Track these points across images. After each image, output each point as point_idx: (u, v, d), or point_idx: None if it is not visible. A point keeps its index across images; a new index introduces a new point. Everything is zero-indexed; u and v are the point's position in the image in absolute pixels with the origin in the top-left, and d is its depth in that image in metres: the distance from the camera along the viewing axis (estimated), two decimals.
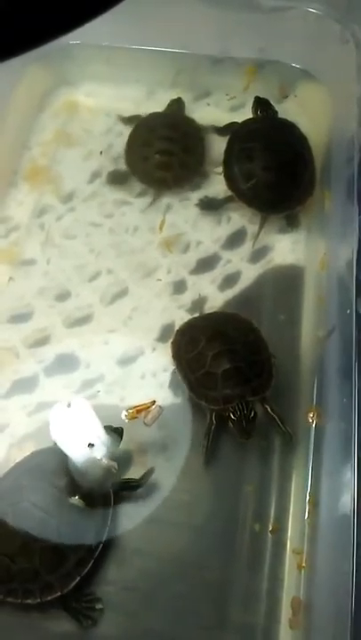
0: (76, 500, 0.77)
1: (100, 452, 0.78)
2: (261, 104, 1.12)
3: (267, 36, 1.15)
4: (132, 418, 0.81)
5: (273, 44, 1.16)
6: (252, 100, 1.13)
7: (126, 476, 0.83)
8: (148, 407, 0.81)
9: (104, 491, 0.80)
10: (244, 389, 0.83)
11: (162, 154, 1.09)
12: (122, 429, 0.83)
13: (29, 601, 0.74)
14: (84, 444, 0.78)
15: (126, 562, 0.79)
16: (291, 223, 1.05)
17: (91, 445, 0.77)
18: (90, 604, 0.76)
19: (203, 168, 1.12)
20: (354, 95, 1.02)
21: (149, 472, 0.82)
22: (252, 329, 0.91)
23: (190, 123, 1.15)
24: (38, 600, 0.74)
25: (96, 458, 0.78)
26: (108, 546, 0.78)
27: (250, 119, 1.12)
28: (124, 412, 0.81)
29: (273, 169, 1.03)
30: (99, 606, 0.76)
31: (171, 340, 0.93)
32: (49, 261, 1.04)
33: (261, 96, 1.13)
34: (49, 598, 0.74)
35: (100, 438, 0.79)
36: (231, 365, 0.84)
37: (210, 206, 1.08)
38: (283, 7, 1.12)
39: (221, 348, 0.86)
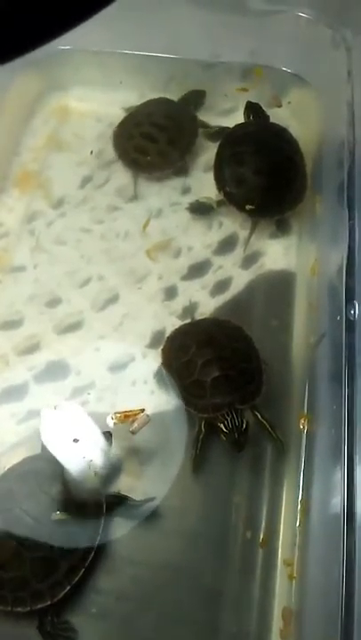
0: (58, 514, 0.77)
1: (91, 452, 0.77)
2: (253, 109, 1.12)
3: (257, 40, 1.15)
4: (119, 422, 0.81)
5: (264, 48, 1.16)
6: (243, 105, 1.13)
7: (117, 483, 0.83)
8: (136, 414, 0.81)
9: (95, 497, 0.79)
10: (233, 397, 0.83)
11: (144, 137, 1.10)
12: (110, 433, 0.83)
13: (19, 609, 0.73)
14: (73, 447, 0.78)
15: (118, 570, 0.79)
16: (281, 228, 1.04)
17: (76, 441, 0.77)
18: (65, 633, 0.75)
19: (182, 164, 1.12)
20: (344, 99, 1.02)
21: (148, 499, 0.81)
22: (242, 336, 0.91)
23: (191, 119, 1.15)
24: (28, 608, 0.73)
25: (85, 459, 0.77)
26: (100, 554, 0.78)
27: (241, 124, 1.12)
28: (112, 416, 0.81)
29: (264, 173, 1.03)
30: (74, 635, 0.75)
31: (161, 347, 0.92)
32: (39, 267, 1.03)
33: (253, 101, 1.13)
34: (39, 606, 0.73)
35: (92, 439, 0.79)
36: (221, 373, 0.84)
37: (200, 210, 1.07)
38: (273, 11, 1.12)
39: (211, 355, 0.86)
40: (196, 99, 1.18)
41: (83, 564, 0.76)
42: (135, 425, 0.81)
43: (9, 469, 0.82)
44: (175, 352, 0.90)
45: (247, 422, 0.81)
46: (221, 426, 0.82)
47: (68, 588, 0.74)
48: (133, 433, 0.82)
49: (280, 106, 1.17)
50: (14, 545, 0.75)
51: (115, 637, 0.76)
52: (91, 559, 0.76)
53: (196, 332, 0.92)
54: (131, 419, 0.81)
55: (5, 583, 0.74)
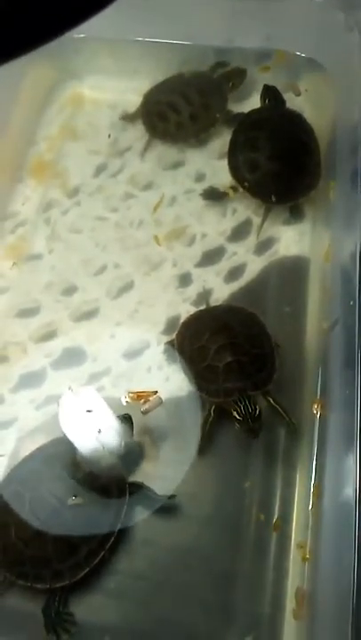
0: (74, 499, 0.78)
1: (111, 439, 0.79)
2: (271, 92, 1.11)
3: (272, 25, 1.14)
4: (131, 401, 0.83)
5: (278, 33, 1.15)
6: (259, 90, 1.12)
7: (135, 468, 0.85)
8: (149, 395, 0.83)
9: (119, 482, 0.81)
10: (245, 383, 0.83)
11: (169, 105, 1.12)
12: (130, 416, 0.84)
13: (39, 586, 0.76)
14: (93, 432, 0.79)
15: (135, 552, 0.81)
16: (294, 215, 1.04)
17: (100, 432, 0.79)
18: (65, 623, 0.76)
19: (195, 139, 1.13)
20: (358, 83, 1.01)
21: (170, 496, 0.83)
22: (256, 322, 0.91)
23: (221, 100, 1.15)
24: (48, 586, 0.76)
25: (105, 446, 0.79)
26: (118, 536, 0.79)
27: (256, 109, 1.12)
28: (125, 395, 0.83)
29: (278, 159, 1.02)
30: (73, 629, 0.76)
31: (175, 332, 0.93)
32: (55, 256, 1.04)
33: (270, 84, 1.12)
34: (58, 585, 0.76)
35: (112, 426, 0.80)
36: (233, 359, 0.84)
37: (214, 197, 1.08)
38: None
39: (225, 341, 0.86)
40: (236, 77, 1.17)
41: (103, 547, 0.78)
42: (147, 406, 0.82)
43: (38, 449, 0.84)
44: (189, 338, 0.90)
45: (260, 409, 0.82)
46: (235, 413, 0.82)
47: (87, 570, 0.76)
48: (144, 413, 0.84)
49: (299, 94, 1.16)
50: (38, 524, 0.77)
51: (131, 616, 0.78)
52: (110, 543, 0.78)
53: (210, 318, 0.92)
54: (143, 399, 0.83)
55: (27, 560, 0.76)
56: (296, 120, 1.08)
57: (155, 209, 1.08)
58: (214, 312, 0.95)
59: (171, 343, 0.94)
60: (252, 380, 0.84)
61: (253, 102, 1.14)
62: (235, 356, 0.85)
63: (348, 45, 1.06)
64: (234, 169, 1.06)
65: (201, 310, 0.96)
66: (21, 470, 0.83)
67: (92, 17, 0.42)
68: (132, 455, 0.84)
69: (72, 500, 0.78)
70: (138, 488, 0.82)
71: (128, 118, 1.18)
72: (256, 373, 0.85)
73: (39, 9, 0.40)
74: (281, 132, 1.06)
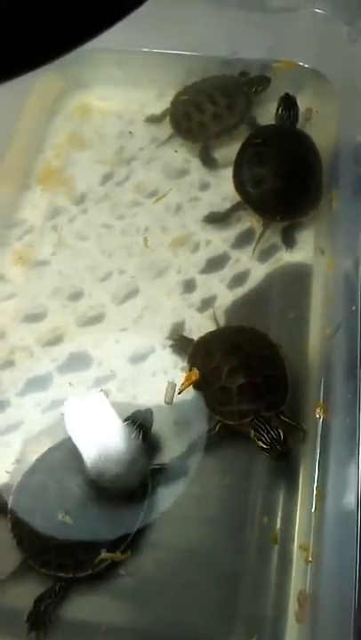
0: (63, 517, 0.80)
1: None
2: (288, 101, 1.12)
3: (275, 36, 1.16)
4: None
5: (282, 44, 1.17)
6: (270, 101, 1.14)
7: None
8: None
9: (142, 477, 0.83)
10: (259, 404, 0.83)
11: (194, 105, 1.14)
12: (151, 411, 0.87)
13: (62, 574, 0.78)
14: (100, 439, 0.82)
15: (140, 553, 0.81)
16: (286, 238, 1.05)
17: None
18: (46, 622, 0.78)
19: (216, 140, 1.16)
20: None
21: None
22: (267, 342, 0.91)
23: (246, 105, 1.17)
24: (71, 575, 0.78)
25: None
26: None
27: (266, 126, 1.13)
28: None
29: (283, 177, 1.03)
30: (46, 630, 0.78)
31: (187, 354, 0.93)
32: (62, 262, 1.06)
33: (291, 94, 1.12)
34: (80, 575, 0.78)
35: (119, 433, 0.83)
36: (246, 380, 0.84)
37: (215, 219, 1.09)
38: (290, 8, 1.13)
39: (237, 362, 0.86)
40: (260, 83, 1.19)
41: (124, 541, 0.80)
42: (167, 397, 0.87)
43: (61, 442, 0.86)
44: (201, 359, 0.90)
45: (283, 432, 0.81)
46: (260, 443, 0.81)
47: (109, 562, 0.79)
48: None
49: (309, 119, 1.16)
50: (62, 514, 0.79)
51: (134, 617, 0.79)
52: (131, 538, 0.80)
53: (222, 339, 0.92)
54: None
55: (51, 549, 0.78)
56: (305, 141, 1.09)
57: (157, 200, 1.10)
58: (225, 333, 0.95)
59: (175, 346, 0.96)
60: (266, 402, 0.83)
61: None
62: (248, 377, 0.85)
63: (352, 56, 1.08)
64: (238, 182, 1.07)
65: (212, 331, 0.96)
66: (48, 459, 0.85)
67: (104, 32, 0.43)
68: (153, 447, 0.87)
69: (62, 518, 0.79)
70: (159, 471, 0.85)
71: (154, 119, 1.20)
72: (269, 394, 0.84)
73: (51, 26, 0.40)
74: (289, 151, 1.07)
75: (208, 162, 1.15)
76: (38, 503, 0.81)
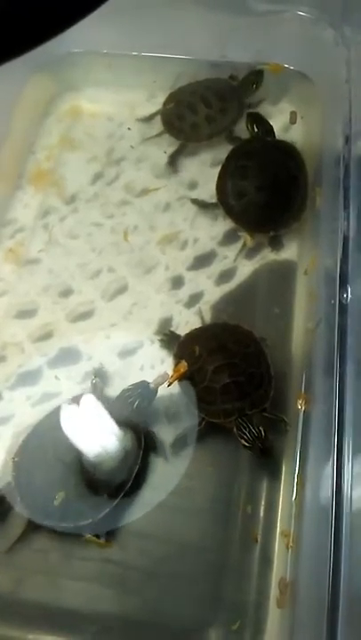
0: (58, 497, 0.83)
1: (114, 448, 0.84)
2: (254, 118, 1.13)
3: (263, 40, 1.18)
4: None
5: (269, 47, 1.19)
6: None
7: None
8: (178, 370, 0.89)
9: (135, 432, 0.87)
10: (243, 403, 0.85)
11: (187, 106, 1.16)
12: (156, 389, 0.90)
13: (64, 525, 0.81)
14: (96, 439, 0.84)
15: (127, 542, 0.84)
16: (274, 244, 1.06)
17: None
18: None
19: (207, 141, 1.17)
20: (345, 95, 1.05)
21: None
22: (252, 340, 0.93)
23: (238, 108, 1.18)
24: (72, 525, 0.82)
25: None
26: (113, 529, 0.84)
27: (250, 138, 1.14)
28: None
29: (266, 189, 1.04)
30: None
31: (173, 353, 0.95)
32: (53, 260, 1.08)
33: (253, 110, 1.15)
34: (81, 524, 0.82)
35: (114, 434, 0.85)
36: (231, 380, 0.86)
37: (204, 205, 1.11)
38: (277, 11, 1.15)
39: (222, 362, 0.88)
40: (255, 78, 1.20)
41: (123, 488, 0.83)
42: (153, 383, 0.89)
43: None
44: (187, 358, 0.91)
45: (264, 428, 0.83)
46: (242, 441, 0.83)
47: (108, 510, 0.82)
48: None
49: (295, 122, 1.19)
50: (63, 468, 0.84)
51: (120, 605, 0.81)
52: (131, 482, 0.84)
53: (207, 338, 0.93)
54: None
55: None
56: (291, 153, 1.09)
57: (146, 193, 1.13)
58: (210, 331, 0.96)
59: (164, 341, 0.98)
60: (250, 400, 0.85)
61: (265, 111, 1.19)
62: (232, 376, 0.86)
63: (336, 59, 1.11)
64: (221, 193, 1.07)
65: (197, 329, 0.97)
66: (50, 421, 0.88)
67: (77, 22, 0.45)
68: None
69: (58, 498, 0.82)
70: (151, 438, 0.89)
71: (146, 118, 1.22)
72: (253, 392, 0.86)
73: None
74: (273, 164, 1.07)
75: (174, 162, 1.18)
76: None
